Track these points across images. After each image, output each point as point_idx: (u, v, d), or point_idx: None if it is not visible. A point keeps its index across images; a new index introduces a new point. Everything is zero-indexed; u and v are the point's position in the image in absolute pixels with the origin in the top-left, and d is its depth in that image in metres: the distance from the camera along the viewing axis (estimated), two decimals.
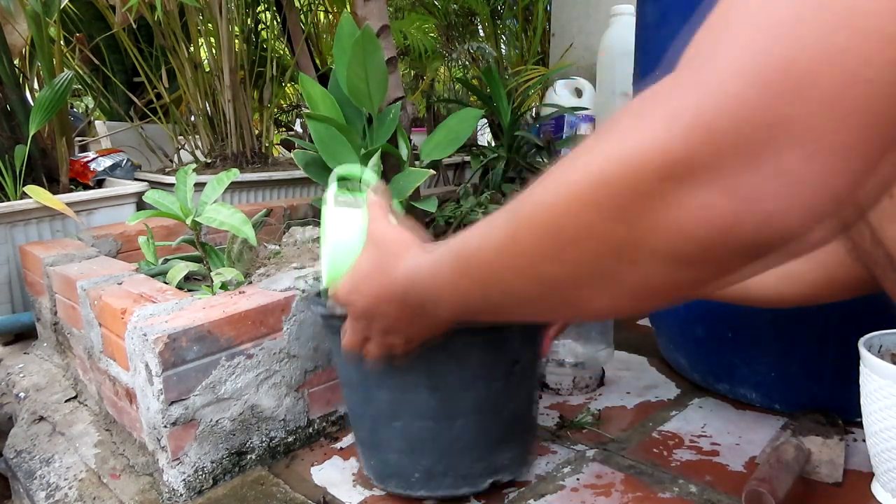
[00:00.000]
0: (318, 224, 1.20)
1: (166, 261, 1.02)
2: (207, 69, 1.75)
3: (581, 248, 0.34)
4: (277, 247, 1.15)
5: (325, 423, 0.89)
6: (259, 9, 2.02)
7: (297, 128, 2.48)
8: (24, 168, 1.29)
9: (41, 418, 1.00)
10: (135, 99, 1.94)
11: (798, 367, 0.85)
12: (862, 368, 0.67)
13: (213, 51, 1.71)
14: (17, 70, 1.44)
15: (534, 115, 2.12)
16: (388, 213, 0.58)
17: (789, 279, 0.69)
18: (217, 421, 0.76)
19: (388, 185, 0.67)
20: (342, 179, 0.74)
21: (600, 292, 0.36)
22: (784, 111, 0.26)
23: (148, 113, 1.91)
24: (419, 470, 0.70)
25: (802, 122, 0.26)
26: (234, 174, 0.97)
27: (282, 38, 2.13)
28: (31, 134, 1.30)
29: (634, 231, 0.31)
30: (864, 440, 0.70)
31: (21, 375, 1.11)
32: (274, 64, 1.96)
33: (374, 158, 1.09)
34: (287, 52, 2.19)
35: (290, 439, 0.85)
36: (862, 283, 0.63)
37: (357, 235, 0.59)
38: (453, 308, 0.47)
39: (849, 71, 0.25)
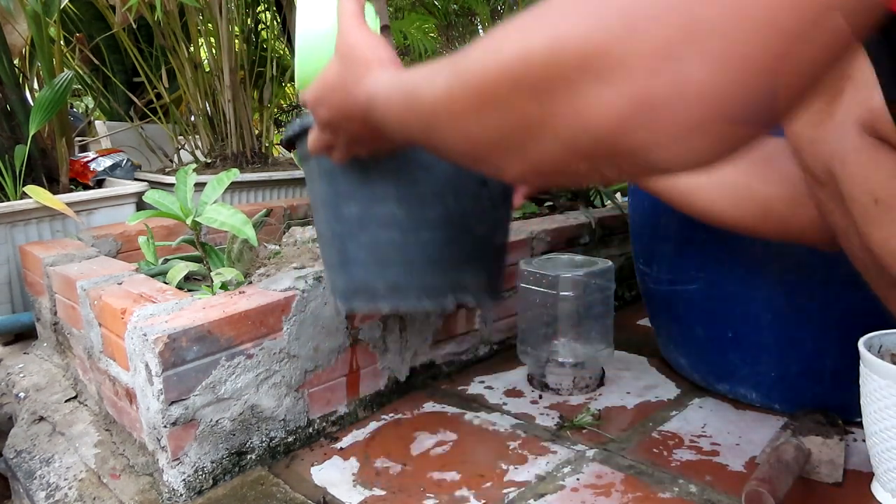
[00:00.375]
0: None
1: (166, 261, 1.02)
2: (207, 69, 1.75)
3: (500, 116, 0.36)
4: (277, 247, 1.15)
5: (325, 423, 0.89)
6: (259, 9, 2.02)
7: None
8: (24, 168, 1.29)
9: (41, 418, 1.00)
10: (135, 99, 1.94)
11: (798, 367, 0.85)
12: (862, 368, 0.67)
13: (213, 51, 1.71)
14: (17, 70, 1.44)
15: None
16: (361, 18, 0.57)
17: (732, 201, 0.69)
18: (217, 421, 0.76)
19: None
20: None
21: (512, 159, 0.38)
22: (695, 19, 0.27)
23: (148, 113, 1.91)
24: (384, 282, 0.69)
25: (710, 30, 0.27)
26: (234, 174, 0.97)
27: (282, 38, 2.13)
28: (31, 134, 1.30)
29: (544, 112, 0.33)
30: (864, 440, 0.70)
31: (21, 375, 1.11)
32: (274, 64, 1.96)
33: None
34: (287, 52, 2.19)
35: (290, 439, 0.85)
36: (803, 232, 0.65)
37: (328, 31, 0.57)
38: (404, 139, 0.49)
39: None
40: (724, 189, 0.69)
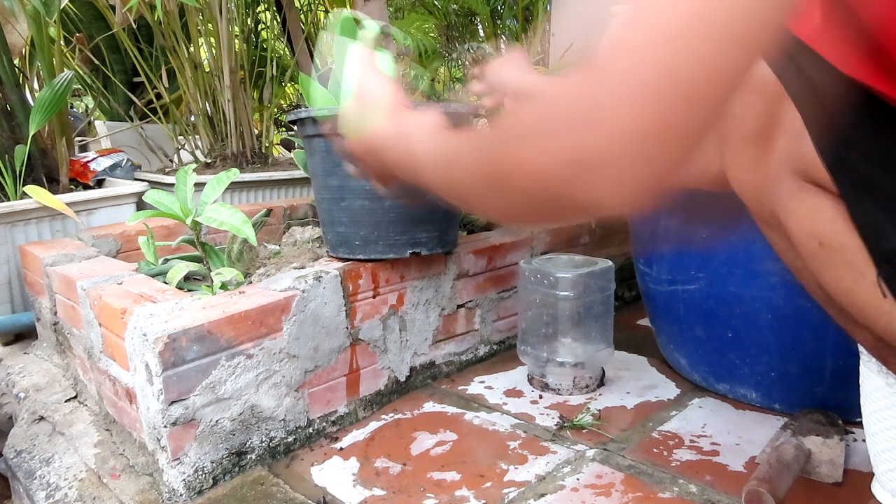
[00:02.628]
0: (317, 224, 1.20)
1: (166, 261, 1.02)
2: (207, 69, 1.75)
3: (471, 177, 0.46)
4: (277, 247, 1.15)
5: (324, 423, 0.89)
6: (259, 9, 2.02)
7: None
8: (24, 168, 1.29)
9: (41, 418, 1.00)
10: (135, 99, 1.94)
11: (798, 367, 0.85)
12: (862, 368, 0.67)
13: (213, 51, 1.71)
14: (17, 70, 1.44)
15: None
16: (375, 64, 0.69)
17: None
18: (217, 421, 0.76)
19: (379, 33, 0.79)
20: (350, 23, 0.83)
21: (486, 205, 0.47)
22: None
23: (148, 113, 1.91)
24: (359, 238, 0.92)
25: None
26: (234, 174, 0.97)
27: (282, 38, 2.13)
28: (31, 134, 1.30)
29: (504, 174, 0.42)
30: (864, 440, 0.70)
31: (21, 375, 1.11)
32: (274, 64, 1.96)
33: None
34: (287, 52, 2.19)
35: (290, 439, 0.85)
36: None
37: (352, 75, 0.69)
38: (401, 174, 0.60)
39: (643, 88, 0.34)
40: None
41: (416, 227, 0.92)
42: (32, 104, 1.34)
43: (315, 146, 0.92)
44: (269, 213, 1.14)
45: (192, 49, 1.74)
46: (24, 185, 1.26)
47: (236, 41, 1.75)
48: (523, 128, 0.40)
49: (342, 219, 0.92)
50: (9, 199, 1.27)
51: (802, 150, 0.51)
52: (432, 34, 2.44)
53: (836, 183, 0.50)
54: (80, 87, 2.17)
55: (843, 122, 0.49)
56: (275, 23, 2.05)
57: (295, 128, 0.96)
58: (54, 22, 1.45)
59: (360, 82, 0.67)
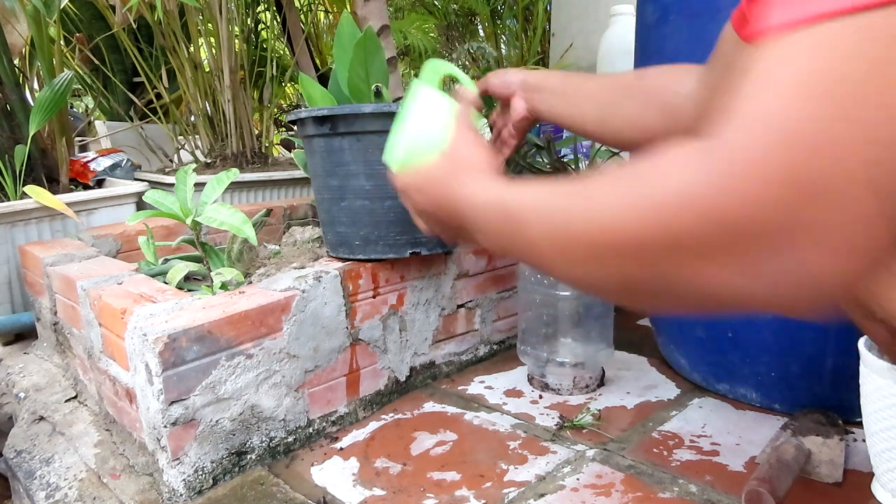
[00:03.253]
0: (317, 224, 1.20)
1: (166, 261, 1.02)
2: (207, 69, 1.75)
3: (595, 276, 0.41)
4: (277, 247, 1.15)
5: (325, 423, 0.89)
6: (259, 9, 2.02)
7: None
8: (24, 168, 1.29)
9: (41, 418, 1.00)
10: (135, 99, 1.94)
11: (798, 367, 0.85)
12: (862, 368, 0.67)
13: (213, 51, 1.71)
14: (17, 70, 1.44)
15: None
16: (472, 124, 0.63)
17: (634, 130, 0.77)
18: (217, 421, 0.76)
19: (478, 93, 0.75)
20: (435, 73, 0.79)
21: (601, 280, 0.42)
22: (802, 213, 0.31)
23: (148, 113, 1.91)
24: (359, 238, 0.91)
25: (819, 223, 0.30)
26: (234, 174, 0.97)
27: (282, 38, 2.13)
28: (31, 134, 1.30)
29: (663, 277, 0.36)
30: (864, 440, 0.70)
31: (21, 375, 1.11)
32: (274, 64, 1.96)
33: None
34: (287, 52, 2.19)
35: (290, 439, 0.85)
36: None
37: (439, 128, 0.62)
38: (490, 244, 0.54)
39: (855, 177, 0.29)
40: (616, 128, 0.78)
41: (416, 228, 0.88)
42: (32, 104, 1.34)
43: (315, 146, 0.91)
44: (269, 213, 1.14)
45: (192, 49, 1.74)
46: (24, 185, 1.26)
47: (236, 41, 1.75)
48: (704, 244, 0.33)
49: (342, 219, 0.92)
50: (9, 199, 1.27)
51: None
52: (432, 34, 2.44)
53: None
54: (80, 87, 2.17)
55: None
56: (275, 23, 2.05)
57: (295, 128, 0.96)
58: (54, 22, 1.45)
59: (455, 140, 0.60)
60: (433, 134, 0.62)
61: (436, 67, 0.78)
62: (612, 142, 0.85)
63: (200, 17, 1.76)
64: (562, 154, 1.76)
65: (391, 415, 0.94)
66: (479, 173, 0.56)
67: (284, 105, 2.68)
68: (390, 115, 0.82)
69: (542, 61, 2.38)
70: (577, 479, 0.75)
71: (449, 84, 0.84)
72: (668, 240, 0.34)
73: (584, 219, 0.40)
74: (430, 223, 0.64)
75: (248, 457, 0.81)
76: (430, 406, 0.97)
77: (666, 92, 0.75)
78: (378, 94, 0.93)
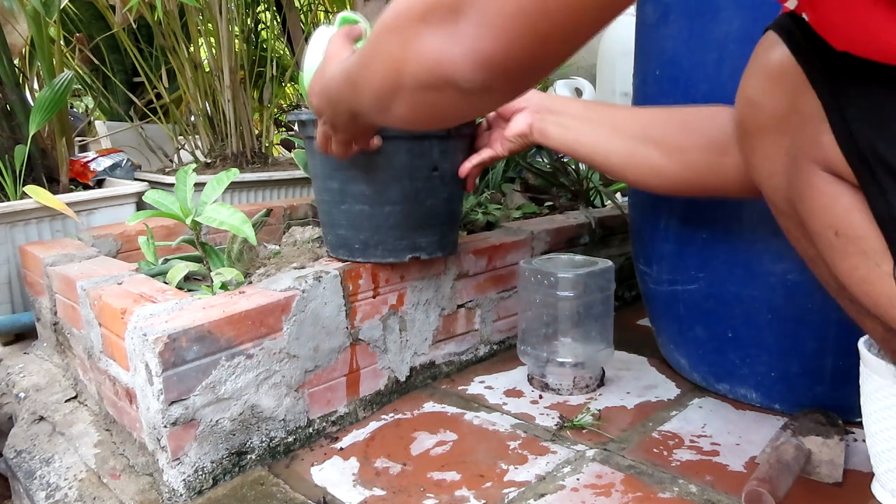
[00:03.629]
0: (317, 224, 1.20)
1: (166, 261, 1.02)
2: (207, 69, 1.75)
3: (380, 67, 0.52)
4: (277, 247, 1.15)
5: (325, 423, 0.89)
6: (259, 9, 2.02)
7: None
8: (24, 168, 1.29)
9: (41, 418, 1.00)
10: (135, 99, 1.94)
11: (798, 367, 0.85)
12: (862, 368, 0.67)
13: (213, 51, 1.71)
14: (17, 70, 1.44)
15: None
16: (349, 39, 0.74)
17: (632, 166, 0.81)
18: (217, 421, 0.76)
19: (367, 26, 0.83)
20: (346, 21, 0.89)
21: (395, 102, 0.53)
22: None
23: (148, 113, 1.91)
24: (359, 242, 0.91)
25: (483, 7, 0.42)
26: (234, 174, 0.97)
27: (282, 38, 2.13)
28: (31, 134, 1.30)
29: (403, 56, 0.48)
30: (864, 440, 0.70)
31: (21, 375, 1.11)
32: (274, 64, 1.96)
33: None
34: (287, 52, 2.19)
35: (290, 439, 0.85)
36: (724, 182, 0.74)
37: (318, 49, 0.75)
38: (347, 107, 0.64)
39: None
40: (643, 167, 0.80)
41: (415, 232, 0.90)
42: (32, 104, 1.34)
43: (314, 147, 0.91)
44: (269, 213, 1.14)
45: (192, 49, 1.74)
46: (24, 185, 1.26)
47: (236, 41, 1.76)
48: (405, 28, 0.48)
49: (342, 222, 0.91)
50: (9, 199, 1.27)
51: (821, 139, 0.51)
52: None
53: (855, 173, 0.49)
54: (80, 87, 2.17)
55: (862, 110, 0.48)
56: (275, 23, 2.05)
57: (295, 128, 0.96)
58: (54, 22, 1.45)
59: (328, 49, 0.71)
60: (321, 56, 0.73)
61: (343, 17, 0.88)
62: (632, 178, 0.83)
63: (200, 17, 1.76)
64: (562, 154, 1.76)
65: (391, 415, 0.94)
66: (336, 60, 0.66)
67: (284, 105, 2.67)
68: None
69: None
70: (577, 479, 0.75)
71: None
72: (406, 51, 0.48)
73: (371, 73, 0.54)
74: (333, 124, 0.71)
75: (248, 457, 0.81)
76: (430, 406, 0.97)
77: (713, 127, 0.73)
78: None
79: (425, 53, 0.46)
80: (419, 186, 0.87)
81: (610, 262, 1.00)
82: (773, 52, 0.54)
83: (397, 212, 0.88)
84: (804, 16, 0.51)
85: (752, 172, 0.61)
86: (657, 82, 0.93)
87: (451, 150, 0.89)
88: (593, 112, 0.84)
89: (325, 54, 0.71)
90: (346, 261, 0.93)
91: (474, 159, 0.90)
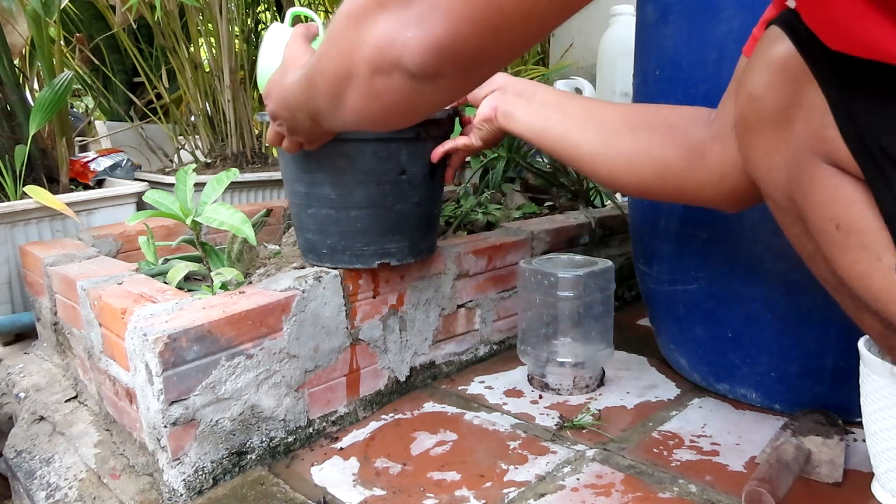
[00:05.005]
0: None
1: (166, 261, 1.02)
2: (207, 69, 1.75)
3: (335, 53, 0.52)
4: (277, 247, 1.15)
5: (325, 423, 0.89)
6: (259, 9, 2.02)
7: None
8: (24, 168, 1.29)
9: (41, 418, 1.00)
10: (135, 99, 1.94)
11: (798, 367, 0.85)
12: (862, 368, 0.67)
13: (213, 51, 1.71)
14: (17, 70, 1.44)
15: None
16: (306, 39, 0.73)
17: (628, 169, 0.76)
18: (217, 421, 0.76)
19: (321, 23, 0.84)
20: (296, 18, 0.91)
21: (348, 92, 0.52)
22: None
23: (148, 113, 1.91)
24: (326, 247, 0.89)
25: None
26: (234, 174, 0.97)
27: None
28: (31, 134, 1.30)
29: (358, 40, 0.48)
30: (864, 440, 0.70)
31: (21, 375, 1.11)
32: None
33: None
34: None
35: (290, 439, 0.85)
36: (700, 189, 0.71)
37: (281, 49, 0.73)
38: (307, 113, 0.64)
39: None
40: (619, 159, 0.75)
41: (383, 238, 0.88)
42: (32, 104, 1.34)
43: (281, 151, 0.87)
44: (269, 213, 1.14)
45: (192, 49, 1.74)
46: (24, 185, 1.26)
47: (236, 41, 1.76)
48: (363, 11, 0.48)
49: (309, 226, 0.89)
50: (9, 199, 1.27)
51: (825, 133, 0.50)
52: None
53: (861, 167, 0.49)
54: (80, 87, 2.17)
55: (868, 104, 0.48)
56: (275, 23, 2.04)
57: None
58: (54, 22, 1.45)
59: (286, 51, 0.71)
60: (277, 55, 0.73)
61: (293, 12, 0.90)
62: (604, 174, 0.77)
63: (200, 17, 1.76)
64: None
65: (391, 415, 0.94)
66: (296, 67, 0.65)
67: None
68: None
69: (543, 61, 2.38)
70: (577, 479, 0.75)
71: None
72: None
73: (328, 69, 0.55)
74: (288, 128, 0.71)
75: (249, 457, 0.81)
76: (430, 406, 0.97)
77: (692, 128, 0.71)
78: None
79: (377, 35, 0.46)
80: (386, 190, 0.85)
81: (610, 262, 1.00)
82: (777, 47, 0.53)
83: (364, 216, 0.86)
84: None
85: (750, 169, 0.60)
86: (657, 82, 0.93)
87: (421, 152, 0.86)
88: (567, 101, 0.81)
89: (283, 58, 0.70)
90: (315, 265, 0.91)
91: (446, 144, 0.87)
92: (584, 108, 0.79)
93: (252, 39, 1.94)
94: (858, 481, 0.72)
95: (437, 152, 0.87)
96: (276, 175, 1.64)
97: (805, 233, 0.58)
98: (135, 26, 1.81)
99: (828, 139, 0.50)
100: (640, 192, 0.79)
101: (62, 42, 1.61)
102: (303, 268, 0.92)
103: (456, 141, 0.88)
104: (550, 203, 1.48)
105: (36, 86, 1.68)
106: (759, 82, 0.55)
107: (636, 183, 0.75)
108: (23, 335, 1.27)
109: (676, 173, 0.71)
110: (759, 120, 0.56)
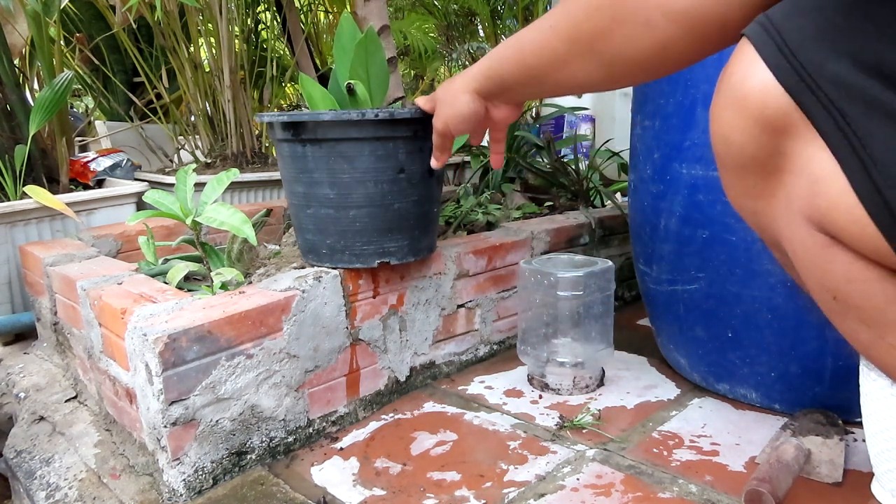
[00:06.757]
0: None
1: (166, 261, 1.02)
2: (207, 69, 1.75)
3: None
4: (277, 247, 1.15)
5: (324, 423, 0.89)
6: (259, 9, 2.02)
7: None
8: (24, 168, 1.29)
9: (41, 418, 1.00)
10: (135, 99, 1.94)
11: (798, 367, 0.85)
12: (862, 368, 0.67)
13: (213, 51, 1.71)
14: (17, 70, 1.44)
15: (534, 115, 2.12)
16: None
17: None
18: (217, 421, 0.76)
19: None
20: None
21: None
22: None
23: (148, 113, 1.91)
24: (325, 247, 0.89)
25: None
26: (234, 174, 0.97)
27: (282, 38, 2.13)
28: (31, 134, 1.30)
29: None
30: (864, 440, 0.70)
31: (21, 375, 1.11)
32: (274, 64, 1.96)
33: None
34: (287, 52, 2.19)
35: (290, 439, 0.85)
36: None
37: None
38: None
39: None
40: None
41: (383, 237, 0.88)
42: (32, 104, 1.34)
43: (282, 151, 0.89)
44: (269, 213, 1.14)
45: (192, 49, 1.74)
46: (24, 185, 1.26)
47: (236, 41, 1.75)
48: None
49: (309, 226, 0.90)
50: (9, 199, 1.27)
51: (820, 200, 0.43)
52: (432, 34, 2.45)
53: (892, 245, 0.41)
54: (80, 87, 2.17)
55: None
56: (275, 23, 2.05)
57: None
58: (54, 22, 1.45)
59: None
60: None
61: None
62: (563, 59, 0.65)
63: (200, 17, 1.76)
64: (561, 154, 1.77)
65: (391, 415, 0.94)
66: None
67: (285, 105, 2.68)
68: (351, 124, 0.81)
69: None
70: (577, 479, 0.75)
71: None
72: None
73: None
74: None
75: (248, 457, 0.81)
76: (430, 406, 0.97)
77: None
78: (350, 91, 0.93)
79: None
80: (385, 189, 0.85)
81: (610, 262, 1.00)
82: (750, 76, 0.43)
83: (363, 215, 0.86)
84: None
85: (735, 203, 0.52)
86: (657, 82, 0.93)
87: (419, 150, 0.86)
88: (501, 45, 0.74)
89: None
90: (315, 265, 0.91)
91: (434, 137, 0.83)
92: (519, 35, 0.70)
93: (252, 39, 1.94)
94: (858, 481, 0.72)
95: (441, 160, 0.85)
96: (276, 175, 1.64)
97: (794, 268, 0.52)
98: (135, 26, 1.81)
99: (822, 208, 0.43)
100: (604, 78, 0.65)
101: (62, 42, 1.61)
102: (303, 268, 0.92)
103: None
104: (550, 203, 1.48)
105: (36, 86, 1.68)
106: (732, 125, 0.45)
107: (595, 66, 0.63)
108: (23, 335, 1.27)
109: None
110: (737, 165, 0.48)
